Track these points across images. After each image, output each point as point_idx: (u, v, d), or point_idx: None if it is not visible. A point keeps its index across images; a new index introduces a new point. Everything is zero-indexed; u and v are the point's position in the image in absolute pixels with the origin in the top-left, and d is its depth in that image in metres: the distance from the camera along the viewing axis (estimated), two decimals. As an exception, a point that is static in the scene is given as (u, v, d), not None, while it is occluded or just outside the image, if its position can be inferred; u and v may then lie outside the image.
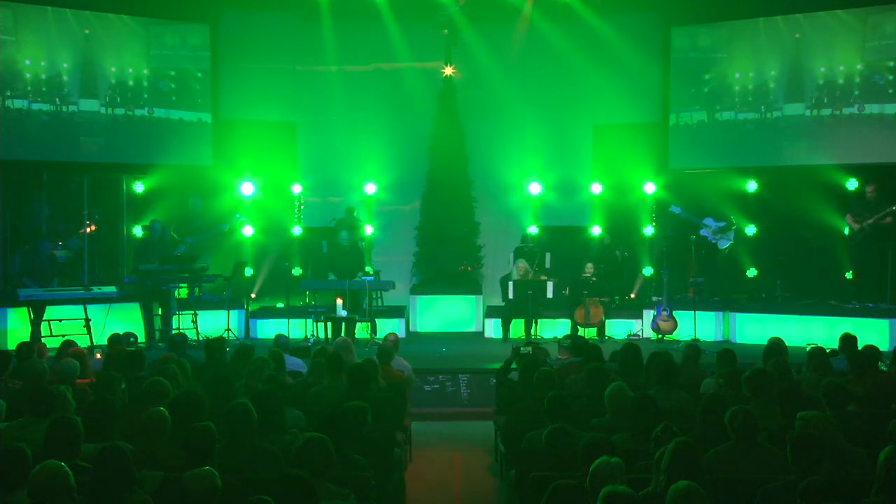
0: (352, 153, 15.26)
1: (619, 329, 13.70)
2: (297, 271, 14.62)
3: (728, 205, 14.28)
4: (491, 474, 8.26)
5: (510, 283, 13.10)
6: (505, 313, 13.47)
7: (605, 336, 13.25)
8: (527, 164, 15.23)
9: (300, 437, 5.56)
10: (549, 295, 13.03)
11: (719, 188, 14.35)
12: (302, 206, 15.38)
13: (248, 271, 14.62)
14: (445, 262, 14.74)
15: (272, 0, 15.02)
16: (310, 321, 13.19)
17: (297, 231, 15.01)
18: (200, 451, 5.02)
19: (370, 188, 15.32)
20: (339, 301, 12.47)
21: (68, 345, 9.13)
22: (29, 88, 13.37)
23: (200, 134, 14.72)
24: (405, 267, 15.01)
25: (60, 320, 11.69)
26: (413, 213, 15.18)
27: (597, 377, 7.17)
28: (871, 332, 11.67)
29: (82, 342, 11.33)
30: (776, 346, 8.44)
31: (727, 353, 8.12)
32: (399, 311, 14.10)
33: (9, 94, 13.20)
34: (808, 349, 9.32)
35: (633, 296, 14.67)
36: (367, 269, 14.09)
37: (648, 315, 13.52)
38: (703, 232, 13.95)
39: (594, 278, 13.40)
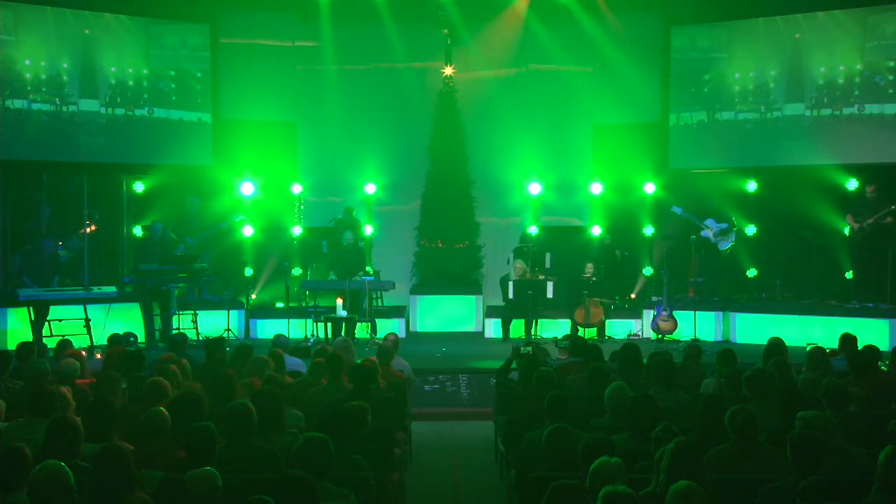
0: (352, 153, 15.27)
1: (619, 329, 13.70)
2: (296, 271, 14.63)
3: (728, 205, 14.28)
4: (491, 474, 8.26)
5: (510, 283, 13.11)
6: (505, 313, 13.47)
7: (605, 336, 13.26)
8: (527, 164, 15.23)
9: (300, 437, 5.56)
10: (550, 295, 13.04)
11: (719, 188, 14.35)
12: (302, 206, 15.39)
13: (248, 271, 14.63)
14: (445, 262, 14.75)
15: (272, 0, 15.03)
16: (310, 321, 13.19)
17: (297, 231, 15.02)
18: (200, 451, 5.02)
19: (370, 188, 15.32)
20: (339, 301, 12.48)
21: (65, 345, 9.12)
22: (29, 88, 13.37)
23: (200, 134, 14.72)
24: (405, 267, 15.01)
25: (60, 320, 11.69)
26: (413, 213, 15.18)
27: (597, 377, 7.17)
28: (871, 332, 11.67)
29: (82, 342, 11.35)
30: (776, 346, 8.44)
31: (727, 353, 8.12)
32: (399, 311, 14.11)
33: (9, 94, 13.21)
34: (808, 349, 9.32)
35: (633, 296, 14.67)
36: (368, 269, 14.09)
37: (648, 315, 13.52)
38: (704, 233, 13.95)
39: (594, 278, 13.41)
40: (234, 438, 5.48)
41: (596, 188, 15.16)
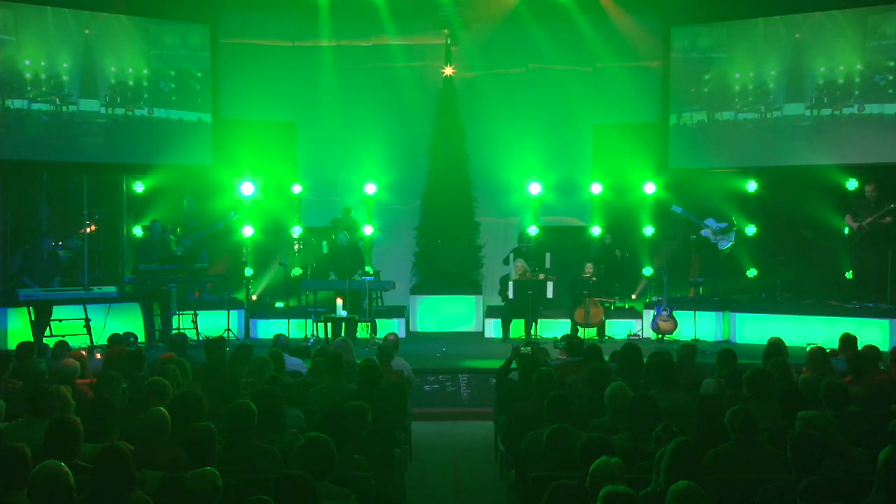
0: (352, 153, 15.26)
1: (619, 329, 13.70)
2: (296, 271, 14.63)
3: (728, 205, 14.28)
4: (491, 474, 8.26)
5: (510, 283, 13.11)
6: (505, 313, 13.47)
7: (605, 336, 13.26)
8: (527, 164, 15.23)
9: (300, 437, 5.56)
10: (550, 295, 13.04)
11: (719, 188, 14.35)
12: (302, 207, 15.38)
13: (248, 271, 14.63)
14: (445, 262, 14.75)
15: (272, 0, 15.03)
16: (310, 321, 13.19)
17: (297, 231, 15.01)
18: (200, 451, 5.02)
19: (370, 188, 15.32)
20: (339, 301, 12.48)
21: (63, 345, 9.12)
22: (29, 88, 13.37)
23: (200, 134, 14.72)
24: (405, 267, 15.01)
25: (60, 320, 11.69)
26: (413, 213, 15.19)
27: (597, 377, 7.17)
28: (871, 332, 11.68)
29: (82, 342, 11.35)
30: (776, 346, 8.44)
31: (727, 352, 8.11)
32: (399, 311, 14.10)
33: (9, 94, 13.21)
34: (808, 349, 9.32)
35: (634, 297, 14.67)
36: (367, 269, 14.09)
37: (648, 315, 13.52)
38: (703, 232, 13.95)
39: (594, 278, 13.41)
40: (235, 438, 5.48)
41: (596, 188, 15.16)
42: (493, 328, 13.85)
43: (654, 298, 13.85)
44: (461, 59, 15.08)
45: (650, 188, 14.83)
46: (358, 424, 5.93)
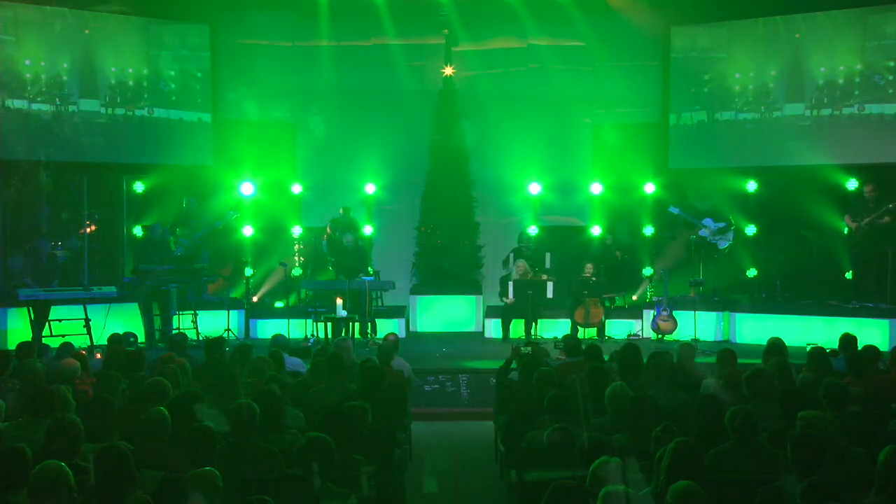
0: (352, 153, 15.26)
1: (619, 329, 13.70)
2: (297, 271, 14.62)
3: (728, 205, 14.29)
4: (491, 474, 8.25)
5: (510, 283, 13.10)
6: (505, 313, 13.46)
7: (605, 336, 13.26)
8: (527, 164, 15.23)
9: (300, 437, 5.56)
10: (549, 295, 13.04)
11: (719, 188, 14.35)
12: (302, 207, 15.38)
13: (249, 271, 14.62)
14: (445, 262, 14.75)
15: (272, 0, 15.03)
16: (310, 321, 13.19)
17: (297, 231, 15.01)
18: (200, 451, 5.02)
19: (370, 188, 15.32)
20: (339, 301, 12.47)
21: (67, 347, 9.12)
22: (29, 88, 13.37)
23: (200, 134, 14.72)
24: (405, 267, 15.01)
25: (60, 320, 11.69)
26: (413, 213, 15.18)
27: (597, 377, 7.17)
28: (871, 332, 11.68)
29: (82, 342, 11.35)
30: (776, 346, 8.44)
31: (727, 352, 8.11)
32: (399, 311, 14.10)
33: (9, 93, 13.20)
34: (808, 349, 9.32)
35: (635, 298, 14.66)
36: (369, 269, 14.08)
37: (648, 315, 13.52)
38: (702, 232, 13.96)
39: (594, 278, 13.40)
40: (236, 438, 5.48)
41: (596, 188, 15.16)
42: (493, 328, 13.85)
43: (654, 298, 13.85)
44: (461, 59, 15.08)
45: (650, 188, 14.83)
46: (358, 424, 5.93)
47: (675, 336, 12.95)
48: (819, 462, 4.87)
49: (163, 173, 14.26)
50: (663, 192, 14.81)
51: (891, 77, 13.27)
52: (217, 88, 14.90)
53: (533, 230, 15.02)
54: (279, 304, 14.37)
